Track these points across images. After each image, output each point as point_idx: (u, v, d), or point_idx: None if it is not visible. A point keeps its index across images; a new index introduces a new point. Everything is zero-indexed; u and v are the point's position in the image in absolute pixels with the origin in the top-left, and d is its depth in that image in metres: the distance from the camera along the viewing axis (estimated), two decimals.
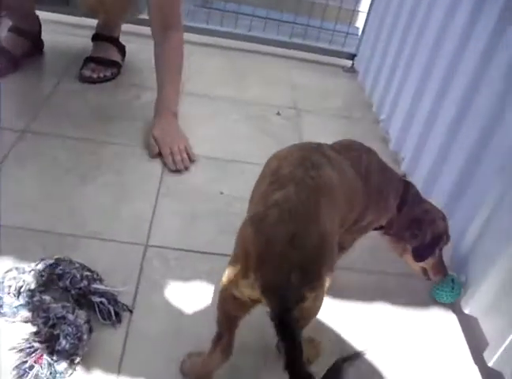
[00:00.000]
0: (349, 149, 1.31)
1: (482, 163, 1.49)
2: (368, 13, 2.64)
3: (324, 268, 0.99)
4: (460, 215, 1.55)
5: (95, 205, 1.55)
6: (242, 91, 2.32)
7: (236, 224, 1.59)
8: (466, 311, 1.42)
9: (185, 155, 1.80)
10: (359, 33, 2.73)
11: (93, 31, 2.24)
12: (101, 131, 1.87)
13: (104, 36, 2.21)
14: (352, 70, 2.73)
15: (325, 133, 2.11)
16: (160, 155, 1.80)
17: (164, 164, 1.79)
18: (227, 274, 1.03)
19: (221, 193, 1.70)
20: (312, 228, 0.99)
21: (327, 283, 1.03)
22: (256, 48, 2.70)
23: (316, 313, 1.06)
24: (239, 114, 2.15)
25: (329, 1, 2.78)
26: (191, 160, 1.82)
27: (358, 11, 2.84)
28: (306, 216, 1.00)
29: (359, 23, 2.86)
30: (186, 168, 1.79)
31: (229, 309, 1.05)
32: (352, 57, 2.75)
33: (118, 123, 1.93)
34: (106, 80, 2.15)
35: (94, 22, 2.26)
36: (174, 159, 1.78)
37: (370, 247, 1.59)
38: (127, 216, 1.54)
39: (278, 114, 2.19)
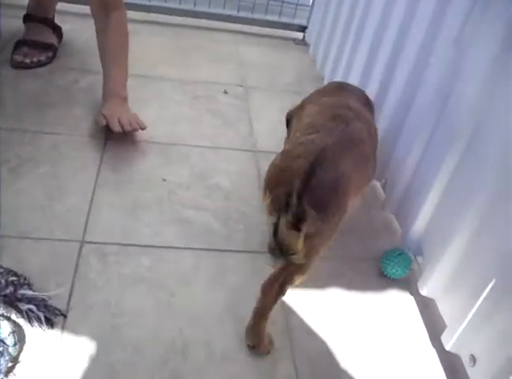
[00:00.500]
0: (361, 97, 1.49)
1: (435, 137, 1.43)
2: None
3: (334, 206, 1.11)
4: (413, 194, 1.49)
5: (26, 201, 1.45)
6: (188, 70, 2.21)
7: (181, 214, 1.52)
8: (423, 293, 1.38)
9: (133, 122, 1.71)
10: (310, 3, 2.63)
11: (25, 12, 2.10)
12: (35, 120, 1.75)
13: (37, 17, 2.08)
14: (303, 43, 2.64)
15: (274, 110, 2.03)
16: (107, 127, 1.70)
17: (111, 128, 1.69)
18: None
19: (164, 181, 1.61)
20: (331, 166, 1.10)
21: (333, 231, 1.16)
22: (202, 24, 2.59)
23: (318, 247, 1.14)
24: (183, 95, 2.05)
25: None
26: (141, 127, 1.73)
27: None
28: (328, 156, 1.10)
29: None
30: (135, 130, 1.72)
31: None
32: (303, 29, 2.66)
33: (55, 111, 1.81)
34: (41, 64, 2.02)
35: (25, 1, 2.12)
36: (121, 122, 1.68)
37: None
38: (62, 211, 1.44)
39: (225, 92, 2.10)
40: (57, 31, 2.14)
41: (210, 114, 1.96)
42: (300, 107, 1.42)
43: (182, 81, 2.12)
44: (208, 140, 1.82)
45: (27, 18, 2.09)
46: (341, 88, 1.54)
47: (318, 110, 1.31)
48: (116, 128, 1.68)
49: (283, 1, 2.64)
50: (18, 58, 1.99)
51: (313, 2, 2.59)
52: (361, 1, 1.99)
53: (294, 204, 1.04)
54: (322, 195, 1.08)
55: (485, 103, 1.23)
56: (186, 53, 2.34)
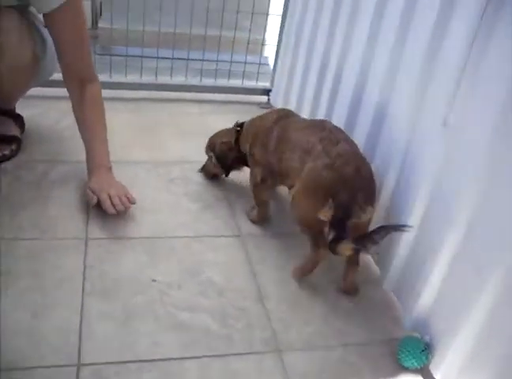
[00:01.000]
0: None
1: (433, 210, 1.41)
2: (278, 46, 2.55)
3: (376, 193, 1.50)
4: (413, 269, 1.46)
5: (10, 324, 1.34)
6: (159, 150, 2.15)
7: (176, 318, 1.45)
8: (437, 377, 1.34)
9: (124, 198, 1.70)
10: (271, 64, 2.63)
11: None
12: (9, 225, 1.65)
13: None
14: (268, 106, 2.62)
15: None
16: (98, 204, 1.69)
17: (104, 210, 1.69)
18: (307, 207, 1.49)
19: (154, 281, 1.54)
20: (367, 165, 1.50)
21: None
22: (165, 96, 2.55)
23: (369, 225, 1.49)
24: (158, 178, 1.98)
25: (236, 33, 2.61)
26: (131, 202, 1.72)
27: (265, 44, 2.72)
28: (361, 159, 1.50)
29: (270, 54, 2.76)
30: (128, 208, 1.72)
31: (315, 225, 1.48)
32: (267, 92, 2.64)
33: (28, 212, 1.71)
34: (5, 159, 1.92)
35: None
36: (112, 201, 1.68)
37: (325, 316, 1.48)
38: (51, 331, 1.35)
39: (200, 171, 2.04)
40: (19, 121, 2.05)
41: (188, 198, 1.90)
42: (265, 134, 1.73)
43: (155, 163, 2.06)
44: (191, 228, 1.76)
45: None
46: (291, 113, 1.85)
47: (307, 129, 1.61)
48: (110, 210, 1.67)
49: (245, 62, 2.62)
50: None
51: (275, 65, 2.58)
52: (333, 59, 1.98)
53: (356, 202, 1.40)
54: (373, 187, 1.48)
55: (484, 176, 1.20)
56: (153, 130, 2.29)
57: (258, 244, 1.74)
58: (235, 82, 2.63)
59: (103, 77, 2.36)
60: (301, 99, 2.29)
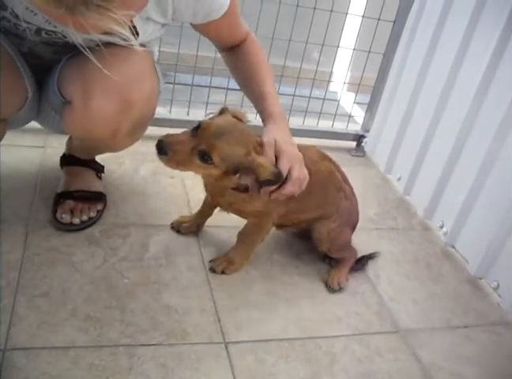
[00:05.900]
0: None
1: None
2: (377, 87, 2.24)
3: None
4: None
5: None
6: None
7: None
8: None
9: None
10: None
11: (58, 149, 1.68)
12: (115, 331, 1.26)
13: (80, 160, 1.61)
14: (359, 154, 2.29)
15: (389, 255, 1.66)
16: None
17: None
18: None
19: None
20: None
21: None
22: None
23: None
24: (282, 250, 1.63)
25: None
26: None
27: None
28: None
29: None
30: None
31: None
32: (358, 138, 2.32)
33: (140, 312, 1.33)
34: (91, 224, 1.54)
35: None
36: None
37: None
38: None
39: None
40: (100, 172, 1.67)
41: (319, 276, 1.56)
42: None
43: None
44: (342, 322, 1.41)
45: (67, 160, 1.63)
46: None
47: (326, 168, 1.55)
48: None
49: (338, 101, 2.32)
50: (65, 217, 1.50)
51: (370, 107, 2.27)
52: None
53: None
54: None
55: None
56: None
57: (424, 342, 1.41)
58: (325, 124, 2.29)
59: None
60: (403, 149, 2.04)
